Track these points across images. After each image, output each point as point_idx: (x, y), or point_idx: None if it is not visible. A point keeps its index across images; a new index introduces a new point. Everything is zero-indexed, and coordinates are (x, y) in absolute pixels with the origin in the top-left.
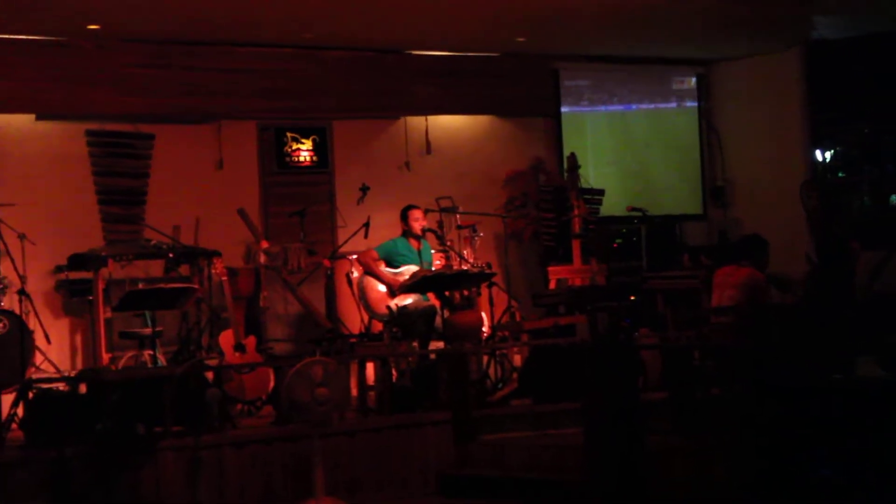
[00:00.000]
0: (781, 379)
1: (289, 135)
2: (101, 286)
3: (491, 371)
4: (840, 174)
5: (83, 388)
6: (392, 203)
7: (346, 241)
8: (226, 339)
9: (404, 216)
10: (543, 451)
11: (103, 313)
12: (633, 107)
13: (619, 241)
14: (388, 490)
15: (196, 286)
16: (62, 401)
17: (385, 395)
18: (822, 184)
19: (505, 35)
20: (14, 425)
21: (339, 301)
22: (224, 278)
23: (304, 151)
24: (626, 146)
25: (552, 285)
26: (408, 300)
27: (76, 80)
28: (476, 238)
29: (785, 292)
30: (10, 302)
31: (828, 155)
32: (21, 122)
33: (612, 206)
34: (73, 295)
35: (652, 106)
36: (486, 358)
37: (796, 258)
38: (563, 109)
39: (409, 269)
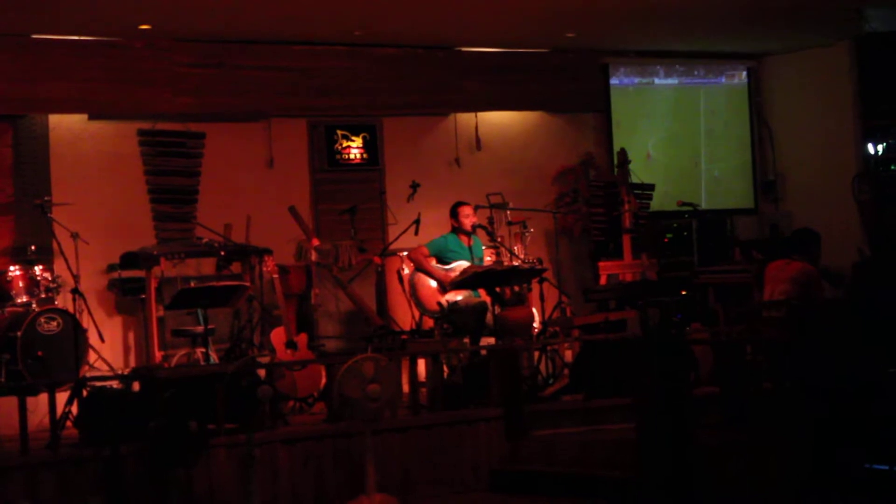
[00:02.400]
0: (834, 374)
1: (339, 132)
2: (153, 284)
3: (542, 367)
4: (892, 167)
5: (136, 386)
6: (442, 199)
7: (396, 238)
8: (277, 336)
9: (455, 212)
10: (595, 447)
11: (156, 311)
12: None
13: (669, 235)
14: (440, 486)
15: (248, 284)
16: (115, 399)
17: (436, 392)
18: (874, 177)
19: (555, 30)
20: (68, 423)
21: (389, 298)
22: (275, 276)
23: (355, 149)
24: (676, 141)
25: (603, 281)
26: (459, 296)
27: (128, 80)
28: (526, 234)
29: (837, 286)
30: (64, 301)
31: (880, 148)
32: (73, 122)
33: (661, 200)
34: (125, 293)
35: (703, 93)
36: (537, 354)
37: (848, 252)
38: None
39: (459, 266)
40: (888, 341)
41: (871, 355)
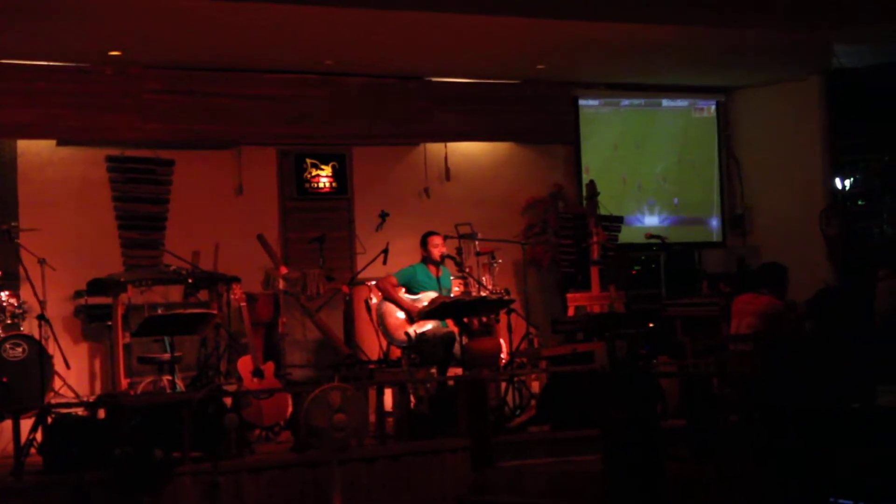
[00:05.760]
0: (800, 407)
1: (308, 161)
2: (120, 311)
3: (509, 398)
4: (860, 202)
5: (102, 414)
6: (411, 229)
7: (364, 267)
8: (244, 364)
9: (424, 242)
10: (562, 478)
11: (122, 338)
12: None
13: (637, 268)
14: None
15: (215, 312)
16: (81, 426)
17: (403, 422)
18: (841, 211)
19: (525, 62)
20: (32, 450)
21: (357, 327)
22: (243, 304)
23: (324, 177)
24: (645, 173)
25: (571, 312)
26: (426, 326)
27: (97, 106)
28: (495, 265)
29: (803, 320)
30: (30, 327)
31: (848, 182)
32: (42, 147)
33: (630, 233)
34: (92, 320)
35: (672, 128)
36: (504, 384)
37: (815, 286)
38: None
39: (428, 296)
40: (852, 373)
41: (837, 388)
